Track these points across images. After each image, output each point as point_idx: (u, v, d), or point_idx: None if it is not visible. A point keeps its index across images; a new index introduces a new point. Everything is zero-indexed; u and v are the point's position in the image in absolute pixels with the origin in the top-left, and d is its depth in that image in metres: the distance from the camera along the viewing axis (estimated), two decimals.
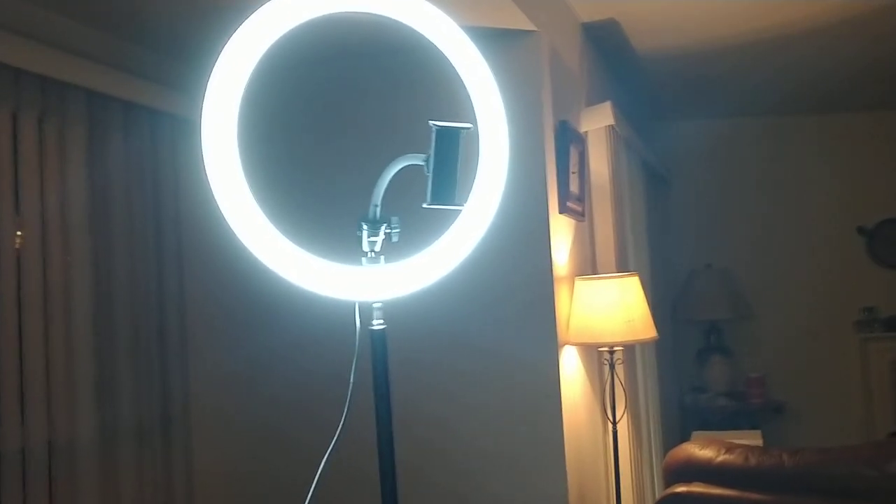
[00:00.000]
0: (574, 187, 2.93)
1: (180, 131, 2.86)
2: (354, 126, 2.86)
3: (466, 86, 1.14)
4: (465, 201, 1.13)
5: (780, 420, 5.07)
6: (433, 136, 1.07)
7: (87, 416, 2.40)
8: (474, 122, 1.14)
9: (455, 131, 1.08)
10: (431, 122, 1.07)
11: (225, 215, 1.01)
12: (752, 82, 4.59)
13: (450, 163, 1.07)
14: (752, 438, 3.35)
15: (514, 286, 2.64)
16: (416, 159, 1.11)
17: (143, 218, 2.73)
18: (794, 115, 5.27)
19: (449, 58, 1.13)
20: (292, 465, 2.85)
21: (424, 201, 1.09)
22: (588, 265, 3.22)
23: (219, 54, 1.02)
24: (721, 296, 5.19)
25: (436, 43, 1.12)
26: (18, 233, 2.27)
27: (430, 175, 1.08)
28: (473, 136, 1.13)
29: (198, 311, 2.96)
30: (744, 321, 5.27)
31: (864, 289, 5.13)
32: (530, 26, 2.60)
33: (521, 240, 2.58)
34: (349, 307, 1.17)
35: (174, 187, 2.88)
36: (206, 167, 0.99)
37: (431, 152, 1.08)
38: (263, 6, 0.99)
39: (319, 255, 1.08)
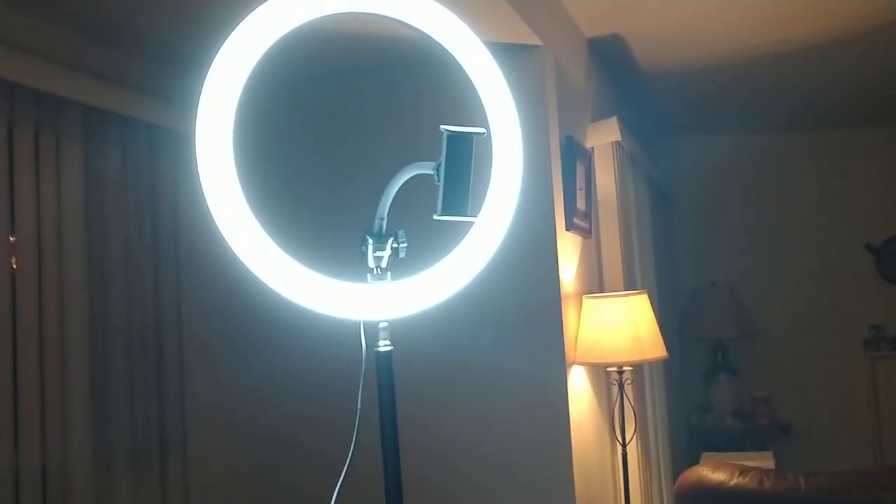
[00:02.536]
0: (581, 203, 2.88)
1: (178, 146, 2.81)
2: (358, 137, 2.82)
3: (477, 89, 1.08)
4: (478, 213, 1.06)
5: (788, 440, 4.99)
6: (444, 141, 0.99)
7: (81, 438, 2.33)
8: (486, 129, 1.08)
9: (468, 136, 1.00)
10: (442, 127, 0.99)
11: (221, 230, 0.95)
12: (758, 98, 4.56)
13: (462, 171, 1.00)
14: (764, 460, 3.28)
15: (521, 305, 2.58)
16: (425, 168, 1.04)
17: (140, 235, 2.68)
18: (801, 130, 5.23)
19: (459, 61, 1.07)
20: (293, 491, 2.78)
21: (434, 213, 1.01)
22: (595, 283, 3.16)
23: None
24: (727, 314, 5.12)
25: (446, 46, 1.06)
26: (13, 251, 2.22)
27: (442, 184, 1.00)
28: (485, 145, 1.06)
29: (195, 332, 2.90)
30: (750, 339, 5.20)
31: (872, 306, 5.06)
32: (536, 41, 2.56)
33: (528, 257, 2.53)
34: (352, 327, 1.10)
35: (172, 203, 2.83)
36: (200, 179, 0.93)
37: (442, 159, 1.00)
38: (258, 8, 0.93)
39: (322, 272, 1.02)
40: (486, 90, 1.09)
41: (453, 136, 0.99)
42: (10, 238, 2.21)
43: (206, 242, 2.76)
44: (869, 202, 5.13)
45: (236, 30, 0.94)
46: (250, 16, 0.94)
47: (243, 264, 1.00)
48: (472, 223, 1.07)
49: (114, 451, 2.47)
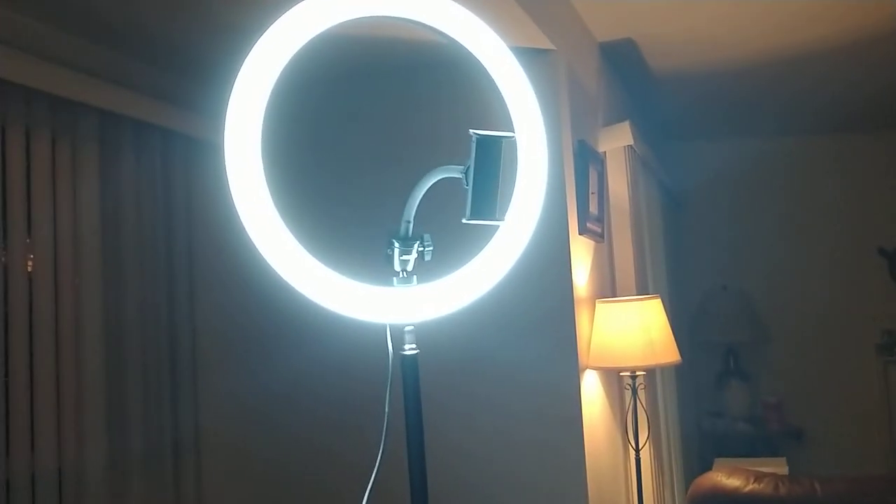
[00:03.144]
0: (593, 208, 2.88)
1: (192, 151, 2.83)
2: (383, 140, 2.81)
3: (503, 94, 1.08)
4: (505, 216, 1.06)
5: (801, 446, 4.96)
6: (473, 145, 0.99)
7: (96, 443, 2.34)
8: (511, 132, 1.07)
9: (497, 140, 1.00)
10: (472, 131, 0.99)
11: (249, 232, 0.95)
12: (769, 102, 4.55)
13: (490, 175, 0.99)
14: (777, 466, 3.27)
15: (535, 309, 2.57)
16: (453, 172, 1.03)
17: (154, 239, 2.68)
18: (813, 134, 5.21)
19: (485, 67, 1.07)
20: (309, 497, 2.78)
21: (461, 216, 1.01)
22: (607, 287, 3.15)
23: (237, 69, 0.97)
24: (738, 318, 5.10)
25: (472, 51, 1.06)
26: (31, 256, 2.23)
27: (470, 188, 1.00)
28: (510, 149, 1.06)
29: (210, 337, 2.90)
30: (761, 344, 5.17)
31: (885, 312, 5.03)
32: (549, 45, 2.56)
33: (541, 261, 2.51)
34: (373, 331, 1.10)
35: (186, 207, 2.84)
36: (228, 182, 0.93)
37: (471, 163, 1.00)
38: (290, 10, 0.94)
39: (349, 276, 1.01)
40: (512, 95, 1.09)
41: (482, 140, 0.99)
42: (27, 242, 2.22)
43: (219, 247, 2.77)
44: (882, 207, 5.10)
45: (263, 36, 0.94)
46: (278, 21, 0.94)
47: (262, 269, 1.00)
48: (497, 227, 1.07)
49: (128, 455, 2.48)
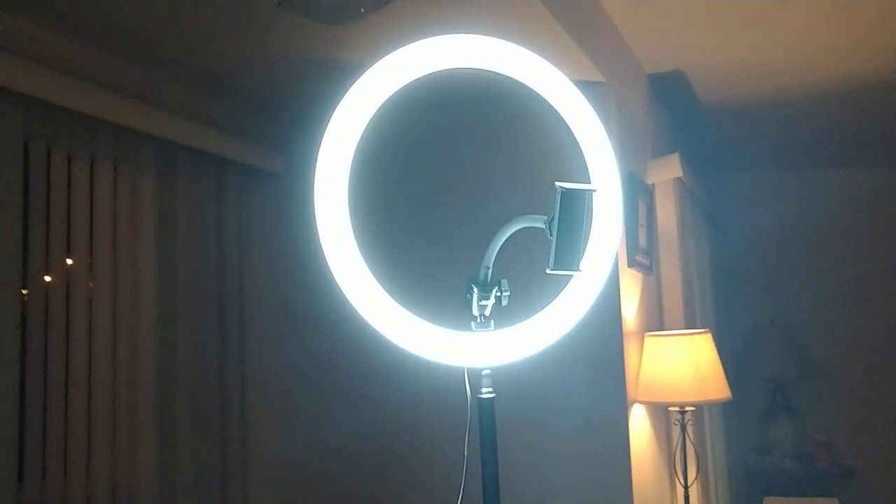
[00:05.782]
0: (642, 240, 2.87)
1: (245, 179, 2.89)
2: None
3: (581, 146, 1.09)
4: (581, 265, 1.06)
5: (852, 485, 4.81)
6: (558, 198, 1.00)
7: (148, 472, 2.37)
8: (588, 181, 1.08)
9: (581, 193, 1.01)
10: (557, 183, 1.00)
11: (334, 275, 0.96)
12: (818, 133, 4.49)
13: (574, 227, 1.00)
14: None
15: (583, 342, 2.51)
16: (535, 221, 1.04)
17: (206, 266, 2.72)
18: (864, 167, 5.12)
19: (562, 114, 1.09)
20: None
21: (538, 262, 1.02)
22: (655, 320, 3.12)
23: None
24: (785, 353, 4.99)
25: (549, 100, 1.08)
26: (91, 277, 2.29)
27: (554, 239, 1.00)
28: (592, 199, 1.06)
29: (260, 369, 2.92)
30: (809, 380, 5.05)
31: None
32: (599, 77, 2.57)
33: None
34: (441, 374, 1.10)
35: (238, 235, 2.89)
36: (318, 228, 0.95)
37: (556, 215, 1.00)
38: (377, 64, 0.96)
39: (427, 319, 1.02)
40: (590, 147, 1.11)
41: (567, 193, 1.00)
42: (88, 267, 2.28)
43: (272, 274, 2.80)
44: None
45: (348, 94, 0.96)
46: (364, 76, 0.97)
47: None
48: (573, 275, 1.07)
49: (177, 483, 2.51)
